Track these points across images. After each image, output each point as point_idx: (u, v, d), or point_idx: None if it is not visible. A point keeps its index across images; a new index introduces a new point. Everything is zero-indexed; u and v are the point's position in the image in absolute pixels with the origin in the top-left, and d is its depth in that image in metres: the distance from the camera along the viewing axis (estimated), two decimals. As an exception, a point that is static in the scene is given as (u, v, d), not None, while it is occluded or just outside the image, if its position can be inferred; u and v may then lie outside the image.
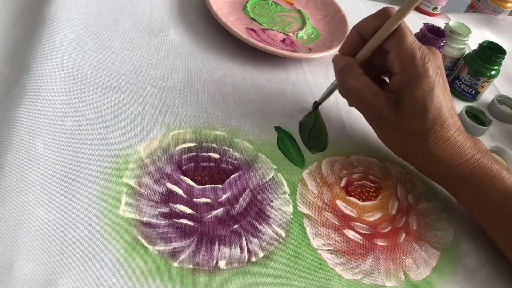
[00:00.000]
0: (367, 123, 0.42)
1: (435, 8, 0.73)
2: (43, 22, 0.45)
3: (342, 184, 0.42)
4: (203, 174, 0.38)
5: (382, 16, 0.38)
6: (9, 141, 0.35)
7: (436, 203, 0.44)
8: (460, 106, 0.56)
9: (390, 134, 0.40)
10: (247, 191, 0.38)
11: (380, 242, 0.39)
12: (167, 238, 0.33)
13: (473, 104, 0.58)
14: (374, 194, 0.42)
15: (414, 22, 0.70)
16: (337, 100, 0.49)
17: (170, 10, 0.54)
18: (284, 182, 0.40)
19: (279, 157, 0.42)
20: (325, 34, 0.58)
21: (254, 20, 0.56)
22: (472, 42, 0.63)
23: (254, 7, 0.58)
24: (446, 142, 0.38)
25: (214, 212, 0.36)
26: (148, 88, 0.44)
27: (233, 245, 0.35)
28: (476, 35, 0.69)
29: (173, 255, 0.33)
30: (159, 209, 0.35)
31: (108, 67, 0.44)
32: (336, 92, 0.51)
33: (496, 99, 0.58)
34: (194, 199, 0.37)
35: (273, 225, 0.37)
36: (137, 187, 0.36)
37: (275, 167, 0.41)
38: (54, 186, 0.34)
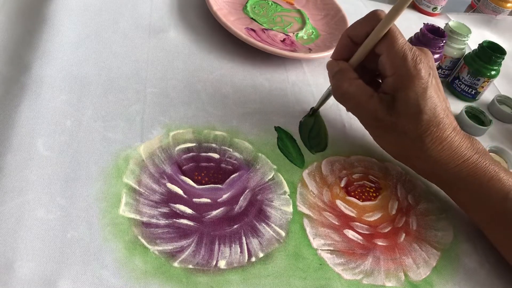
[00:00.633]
0: None
1: (435, 8, 0.73)
2: (43, 22, 0.45)
3: (342, 184, 0.42)
4: (203, 174, 0.38)
5: (372, 20, 0.38)
6: (9, 141, 0.35)
7: (436, 203, 0.44)
8: (460, 106, 0.56)
9: (386, 136, 0.40)
10: (247, 191, 0.39)
11: (380, 242, 0.39)
12: (167, 238, 0.33)
13: (473, 104, 0.58)
14: (374, 194, 0.42)
15: (414, 22, 0.70)
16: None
17: (170, 10, 0.54)
18: (284, 182, 0.40)
19: (279, 157, 0.42)
20: (325, 34, 0.58)
21: (254, 20, 0.56)
22: (472, 42, 0.63)
23: (254, 7, 0.58)
24: (443, 143, 0.38)
25: (214, 212, 0.36)
26: (148, 88, 0.44)
27: (233, 245, 0.35)
28: (476, 35, 0.69)
29: (173, 255, 0.33)
30: (159, 209, 0.35)
31: (108, 67, 0.44)
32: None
33: (496, 99, 0.58)
34: (194, 199, 0.37)
35: (273, 225, 0.37)
36: (137, 187, 0.36)
37: (275, 167, 0.41)
38: (54, 186, 0.34)
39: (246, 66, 0.50)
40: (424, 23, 0.56)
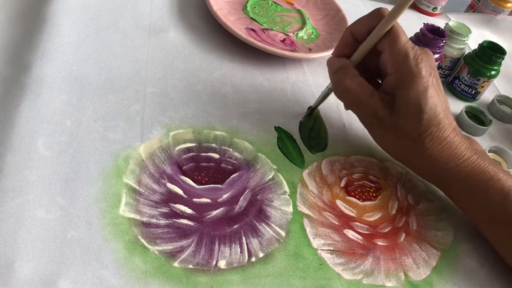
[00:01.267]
0: None
1: (435, 8, 0.73)
2: (43, 22, 0.45)
3: (342, 184, 0.42)
4: (203, 174, 0.38)
5: (375, 17, 0.38)
6: (9, 141, 0.35)
7: (436, 203, 0.44)
8: (460, 106, 0.56)
9: (386, 136, 0.40)
10: (247, 191, 0.39)
11: (380, 242, 0.39)
12: (167, 238, 0.33)
13: (473, 104, 0.58)
14: (374, 194, 0.42)
15: (414, 22, 0.70)
16: (337, 100, 0.49)
17: (170, 10, 0.54)
18: (284, 182, 0.40)
19: (279, 157, 0.42)
20: (325, 34, 0.58)
21: (254, 20, 0.56)
22: (472, 42, 0.63)
23: (254, 7, 0.58)
24: (443, 143, 0.37)
25: (214, 212, 0.36)
26: (148, 88, 0.44)
27: (233, 245, 0.35)
28: (476, 35, 0.69)
29: (173, 255, 0.33)
30: (159, 209, 0.35)
31: (108, 67, 0.44)
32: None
33: (496, 99, 0.58)
34: (194, 199, 0.37)
35: (273, 225, 0.37)
36: (137, 187, 0.36)
37: (275, 167, 0.41)
38: (54, 186, 0.34)
39: (246, 66, 0.50)
40: (424, 23, 0.56)
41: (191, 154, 0.40)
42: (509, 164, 0.50)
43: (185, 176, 0.38)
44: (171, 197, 0.36)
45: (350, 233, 0.38)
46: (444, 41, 0.54)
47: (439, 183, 0.42)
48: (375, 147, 0.45)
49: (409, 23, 0.67)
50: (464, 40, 0.57)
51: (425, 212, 0.42)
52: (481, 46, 0.56)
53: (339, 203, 0.41)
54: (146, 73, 0.45)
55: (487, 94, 0.60)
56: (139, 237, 0.33)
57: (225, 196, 0.38)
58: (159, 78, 0.45)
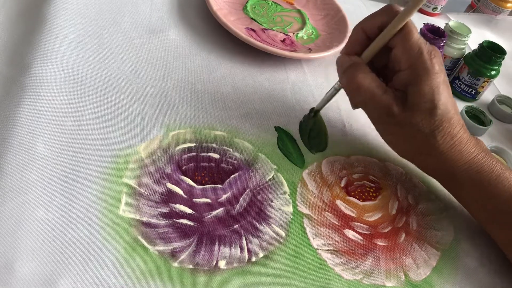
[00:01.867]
0: (368, 123, 0.42)
1: (435, 8, 0.73)
2: (43, 22, 0.45)
3: (342, 184, 0.42)
4: (203, 174, 0.38)
5: (387, 13, 0.38)
6: (9, 141, 0.35)
7: (436, 203, 0.44)
8: (460, 106, 0.56)
9: (398, 133, 0.39)
10: (247, 191, 0.39)
11: (380, 242, 0.39)
12: (167, 238, 0.33)
13: (473, 104, 0.58)
14: (374, 194, 0.42)
15: (414, 22, 0.70)
16: (337, 101, 0.49)
17: (170, 10, 0.54)
18: (284, 182, 0.40)
19: (279, 157, 0.42)
20: (325, 34, 0.58)
21: (254, 20, 0.56)
22: (472, 42, 0.63)
23: (254, 7, 0.58)
24: (454, 139, 0.37)
25: (214, 212, 0.36)
26: (148, 88, 0.44)
27: (233, 245, 0.35)
28: (476, 35, 0.69)
29: (173, 255, 0.33)
30: (159, 209, 0.35)
31: (108, 67, 0.44)
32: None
33: (496, 99, 0.58)
34: (194, 199, 0.37)
35: (273, 225, 0.37)
36: (137, 187, 0.36)
37: (275, 167, 0.41)
38: (54, 186, 0.34)
39: (246, 66, 0.50)
40: (424, 23, 0.56)
41: (191, 154, 0.40)
42: (509, 164, 0.50)
43: (185, 176, 0.38)
44: (171, 197, 0.36)
45: (350, 233, 0.38)
46: (444, 41, 0.54)
47: (449, 182, 0.41)
48: (375, 147, 0.45)
49: (409, 23, 0.67)
50: (464, 40, 0.57)
51: (425, 212, 0.42)
52: (481, 46, 0.56)
53: (339, 203, 0.41)
54: (146, 73, 0.45)
55: (487, 94, 0.60)
56: (139, 237, 0.33)
57: (225, 196, 0.38)
58: (159, 78, 0.45)
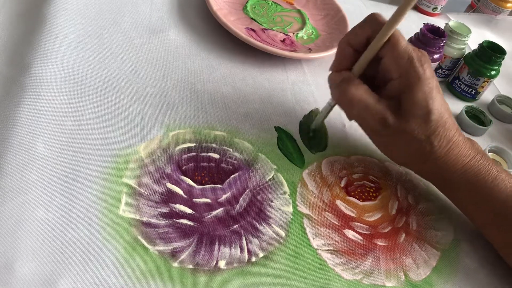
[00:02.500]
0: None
1: (435, 8, 0.73)
2: (43, 22, 0.45)
3: (342, 184, 0.42)
4: (203, 174, 0.38)
5: (371, 23, 0.37)
6: (9, 141, 0.35)
7: (436, 203, 0.44)
8: (460, 106, 0.56)
9: (394, 142, 0.39)
10: (247, 191, 0.39)
11: (380, 242, 0.39)
12: (167, 238, 0.33)
13: (473, 104, 0.58)
14: (374, 194, 0.42)
15: (414, 22, 0.70)
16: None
17: (170, 10, 0.54)
18: (284, 182, 0.40)
19: (279, 157, 0.42)
20: (325, 34, 0.58)
21: (254, 20, 0.56)
22: (472, 42, 0.63)
23: (254, 7, 0.58)
24: (450, 143, 0.37)
25: (214, 212, 0.36)
26: (148, 88, 0.44)
27: (233, 245, 0.35)
28: (476, 35, 0.69)
29: (173, 255, 0.33)
30: (159, 209, 0.35)
31: (108, 67, 0.44)
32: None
33: (496, 99, 0.58)
34: (194, 199, 0.37)
35: (273, 225, 0.37)
36: (137, 187, 0.36)
37: (275, 167, 0.41)
38: (54, 186, 0.34)
39: (246, 66, 0.50)
40: (424, 23, 0.56)
41: (191, 154, 0.40)
42: (509, 164, 0.50)
43: (185, 176, 0.38)
44: (171, 197, 0.36)
45: (350, 233, 0.38)
46: (444, 41, 0.54)
47: (446, 186, 0.41)
48: (375, 147, 0.45)
49: (409, 23, 0.67)
50: (464, 40, 0.57)
51: (425, 212, 0.42)
52: (481, 46, 0.56)
53: (339, 203, 0.41)
54: (146, 73, 0.45)
55: (487, 94, 0.60)
56: (139, 237, 0.33)
57: (225, 196, 0.38)
58: (159, 78, 0.45)
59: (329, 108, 0.43)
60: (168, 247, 0.33)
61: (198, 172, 0.38)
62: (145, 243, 0.33)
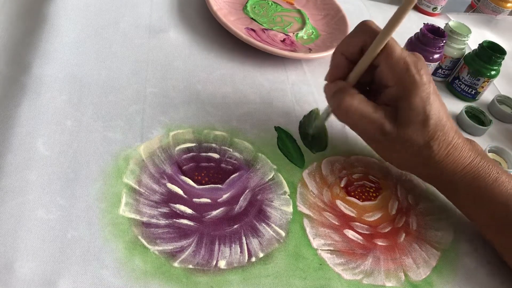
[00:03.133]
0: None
1: (435, 8, 0.73)
2: (43, 22, 0.45)
3: (342, 184, 0.42)
4: (203, 174, 0.38)
5: (363, 32, 0.37)
6: (9, 141, 0.35)
7: (436, 203, 0.44)
8: (460, 106, 0.56)
9: (393, 149, 0.39)
10: (247, 191, 0.39)
11: (380, 242, 0.39)
12: (167, 238, 0.33)
13: (473, 104, 0.58)
14: (374, 194, 0.42)
15: (414, 22, 0.70)
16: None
17: (170, 10, 0.54)
18: (284, 182, 0.40)
19: (279, 157, 0.42)
20: (325, 34, 0.58)
21: (254, 20, 0.56)
22: (472, 42, 0.63)
23: (254, 7, 0.58)
24: (449, 147, 0.37)
25: (214, 212, 0.36)
26: (148, 88, 0.44)
27: (233, 245, 0.35)
28: (476, 35, 0.69)
29: (173, 255, 0.33)
30: (159, 209, 0.35)
31: (108, 67, 0.44)
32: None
33: (496, 99, 0.58)
34: (194, 199, 0.37)
35: (273, 225, 0.37)
36: (137, 187, 0.36)
37: (275, 167, 0.41)
38: (54, 186, 0.34)
39: (246, 66, 0.50)
40: (424, 23, 0.55)
41: (191, 154, 0.40)
42: (509, 164, 0.50)
43: (185, 176, 0.38)
44: (171, 197, 0.36)
45: (350, 233, 0.38)
46: (444, 41, 0.54)
47: (446, 189, 0.41)
48: (375, 147, 0.45)
49: (409, 23, 0.67)
50: (464, 40, 0.57)
51: (425, 212, 0.42)
52: (481, 46, 0.56)
53: (339, 203, 0.41)
54: (146, 73, 0.45)
55: (487, 94, 0.60)
56: (139, 237, 0.33)
57: (225, 196, 0.38)
58: (159, 78, 0.45)
59: (327, 116, 0.43)
60: (168, 247, 0.33)
61: (198, 172, 0.38)
62: (145, 243, 0.33)
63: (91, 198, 0.34)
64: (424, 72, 0.36)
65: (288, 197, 0.39)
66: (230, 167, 0.40)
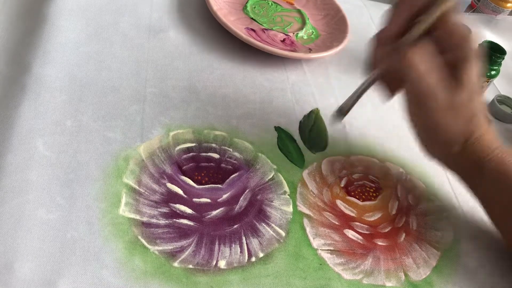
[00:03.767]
0: (368, 123, 0.41)
1: (435, 8, 0.73)
2: (43, 22, 0.45)
3: (342, 184, 0.42)
4: (203, 174, 0.38)
5: None
6: (9, 141, 0.35)
7: (436, 203, 0.44)
8: (460, 106, 0.56)
9: (441, 116, 0.37)
10: (247, 191, 0.39)
11: (380, 242, 0.39)
12: (167, 238, 0.33)
13: (473, 104, 0.58)
14: (374, 194, 0.42)
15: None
16: (337, 100, 0.49)
17: (170, 10, 0.54)
18: (284, 182, 0.40)
19: (279, 157, 0.42)
20: (325, 34, 0.58)
21: (254, 20, 0.56)
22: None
23: (254, 7, 0.58)
24: (486, 125, 0.38)
25: (214, 212, 0.36)
26: (148, 88, 0.44)
27: (233, 245, 0.35)
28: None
29: (173, 255, 0.33)
30: (159, 209, 0.35)
31: (108, 67, 0.44)
32: (336, 93, 0.51)
33: (496, 99, 0.58)
34: (194, 199, 0.37)
35: (273, 225, 0.37)
36: (137, 187, 0.36)
37: (275, 167, 0.41)
38: (54, 186, 0.34)
39: (246, 66, 0.50)
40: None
41: (191, 154, 0.40)
42: (509, 164, 0.50)
43: (185, 176, 0.38)
44: (171, 197, 0.36)
45: (350, 233, 0.38)
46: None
47: (471, 175, 0.39)
48: (375, 147, 0.45)
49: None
50: (464, 40, 0.57)
51: (425, 212, 0.42)
52: (481, 46, 0.56)
53: (339, 203, 0.41)
54: (146, 73, 0.45)
55: (487, 94, 0.60)
56: (139, 237, 0.33)
57: (225, 196, 0.38)
58: (159, 78, 0.45)
59: (367, 86, 0.40)
60: (168, 247, 0.33)
61: (198, 172, 0.38)
62: (145, 243, 0.33)
63: (91, 198, 0.34)
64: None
65: (288, 197, 0.39)
66: (230, 167, 0.40)
